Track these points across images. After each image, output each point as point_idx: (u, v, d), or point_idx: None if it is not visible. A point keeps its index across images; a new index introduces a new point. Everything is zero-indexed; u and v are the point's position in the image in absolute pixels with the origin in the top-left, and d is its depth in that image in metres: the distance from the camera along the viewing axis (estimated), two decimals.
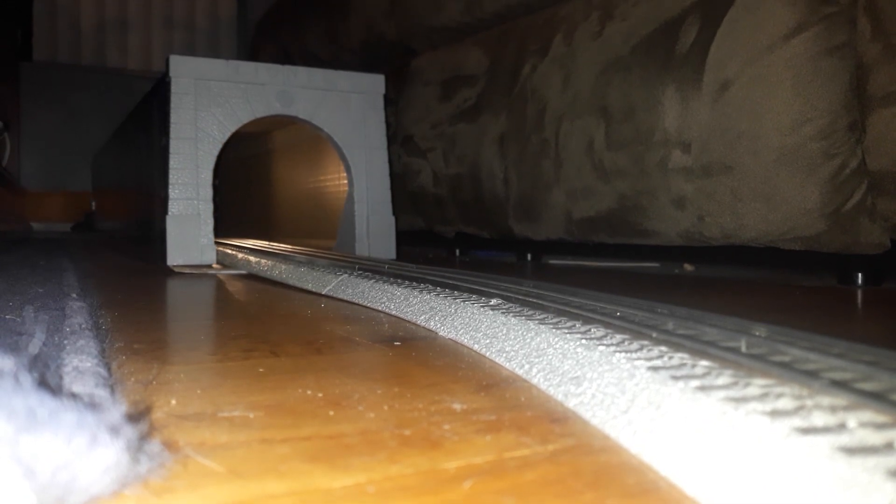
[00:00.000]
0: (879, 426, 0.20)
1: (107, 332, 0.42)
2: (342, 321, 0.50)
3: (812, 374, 0.24)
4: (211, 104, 0.95)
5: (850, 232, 0.72)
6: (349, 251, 1.04)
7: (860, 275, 0.78)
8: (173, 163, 0.92)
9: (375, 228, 1.06)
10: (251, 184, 1.75)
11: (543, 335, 0.35)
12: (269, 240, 1.18)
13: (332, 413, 0.27)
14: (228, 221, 1.67)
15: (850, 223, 0.72)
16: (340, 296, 0.62)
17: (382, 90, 1.09)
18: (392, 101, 1.32)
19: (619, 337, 0.33)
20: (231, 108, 0.96)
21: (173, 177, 0.92)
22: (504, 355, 0.36)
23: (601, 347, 0.31)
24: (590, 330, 0.35)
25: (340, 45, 1.57)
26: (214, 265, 0.93)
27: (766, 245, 0.79)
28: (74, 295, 0.54)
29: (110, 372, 0.31)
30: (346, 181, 1.09)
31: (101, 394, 0.25)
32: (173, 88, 0.93)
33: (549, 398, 0.30)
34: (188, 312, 0.60)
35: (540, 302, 0.42)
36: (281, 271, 0.77)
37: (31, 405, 0.18)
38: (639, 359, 0.28)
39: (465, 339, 0.41)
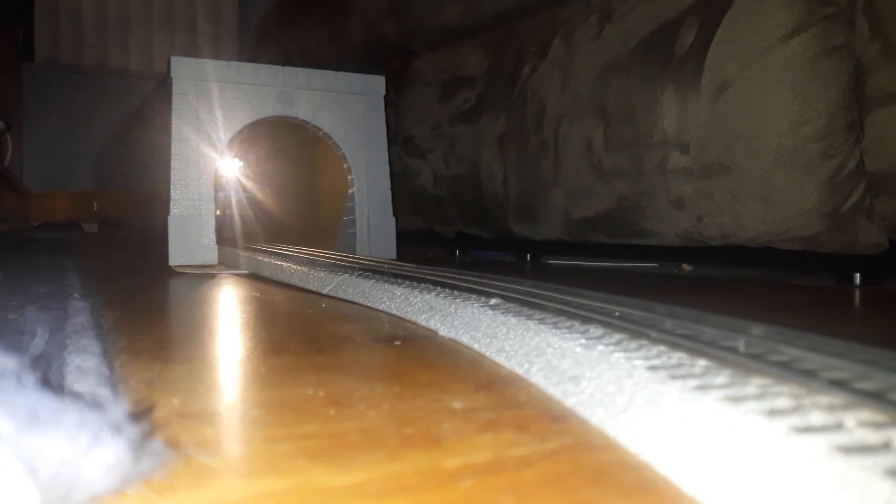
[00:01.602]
0: (877, 425, 0.20)
1: (109, 332, 0.42)
2: (343, 320, 0.50)
3: (810, 374, 0.24)
4: (213, 105, 0.95)
5: (848, 232, 0.72)
6: (350, 251, 1.05)
7: (858, 275, 0.78)
8: (175, 163, 0.92)
9: (376, 229, 1.06)
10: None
11: (542, 334, 0.35)
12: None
13: (332, 412, 0.27)
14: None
15: (848, 223, 0.72)
16: (341, 295, 0.62)
17: (383, 91, 1.09)
18: (392, 102, 1.32)
19: (617, 336, 0.33)
20: (232, 110, 0.97)
21: (175, 177, 0.92)
22: (503, 354, 0.36)
23: (600, 347, 0.31)
24: (588, 329, 0.35)
25: (341, 47, 1.57)
26: (216, 265, 0.93)
27: (765, 245, 0.79)
28: (77, 294, 0.54)
29: (112, 371, 0.31)
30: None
31: (104, 393, 0.25)
32: (175, 89, 0.93)
33: (548, 397, 0.30)
34: (190, 312, 0.60)
35: (539, 301, 0.43)
36: (282, 271, 0.77)
37: (34, 404, 0.18)
38: (637, 358, 0.28)
39: (464, 339, 0.41)
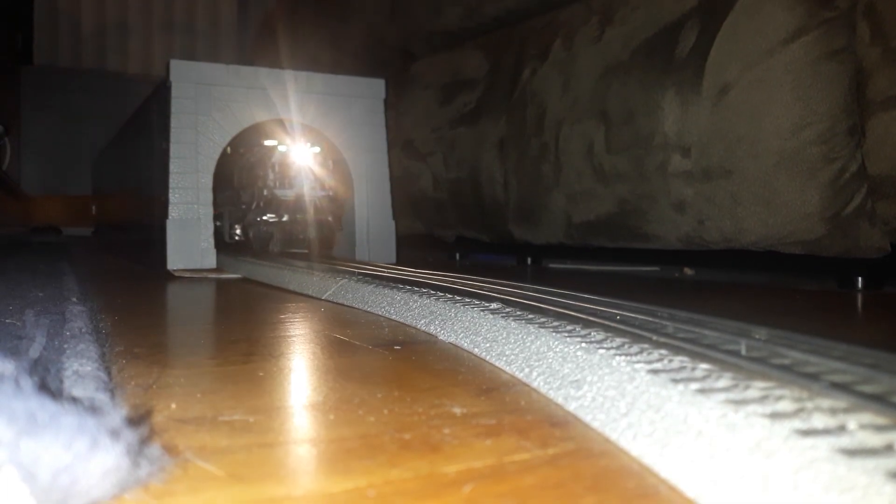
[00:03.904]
0: (879, 428, 0.20)
1: (107, 336, 0.42)
2: (342, 325, 0.50)
3: (812, 377, 0.24)
4: (212, 108, 0.95)
5: (850, 236, 0.72)
6: (349, 256, 1.04)
7: (860, 279, 0.78)
8: (174, 167, 0.92)
9: (375, 233, 1.06)
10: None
11: (543, 339, 0.35)
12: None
13: (332, 417, 0.27)
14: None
15: (850, 227, 0.72)
16: (341, 300, 0.62)
17: (383, 94, 1.09)
18: (392, 105, 1.32)
19: (619, 340, 0.33)
20: (232, 113, 0.96)
21: (174, 181, 0.92)
22: (504, 359, 0.36)
23: (601, 351, 0.31)
24: (590, 333, 0.35)
25: (341, 50, 1.57)
26: (215, 269, 0.93)
27: (766, 249, 0.79)
28: (74, 299, 0.54)
29: (110, 376, 0.31)
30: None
31: (102, 398, 0.25)
32: (174, 93, 0.93)
33: (549, 402, 0.30)
34: (188, 317, 0.60)
35: (540, 305, 0.43)
36: (281, 276, 0.77)
37: (32, 409, 0.18)
38: (639, 362, 0.28)
39: (465, 343, 0.41)
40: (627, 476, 0.22)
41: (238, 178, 1.05)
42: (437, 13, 1.25)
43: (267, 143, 1.01)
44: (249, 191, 1.02)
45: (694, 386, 0.24)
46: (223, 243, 1.08)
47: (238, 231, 1.06)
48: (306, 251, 0.99)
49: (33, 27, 2.65)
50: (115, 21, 2.77)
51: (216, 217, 1.02)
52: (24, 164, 2.55)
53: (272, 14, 2.03)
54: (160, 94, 0.99)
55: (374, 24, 1.44)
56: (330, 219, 1.00)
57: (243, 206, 1.04)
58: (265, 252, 0.98)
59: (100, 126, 2.43)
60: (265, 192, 0.99)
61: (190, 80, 0.94)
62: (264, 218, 1.00)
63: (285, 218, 0.99)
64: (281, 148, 1.00)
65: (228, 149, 1.08)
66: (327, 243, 1.03)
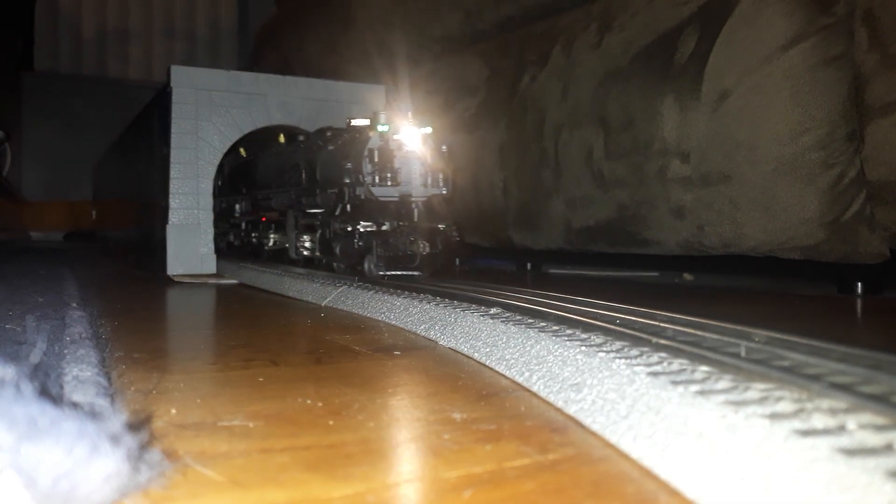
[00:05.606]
0: (879, 428, 0.20)
1: (107, 342, 0.42)
2: (342, 331, 0.50)
3: (812, 378, 0.24)
4: (212, 114, 0.95)
5: (849, 241, 0.72)
6: None
7: (859, 284, 0.78)
8: (174, 172, 0.92)
9: None
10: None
11: (543, 343, 0.35)
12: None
13: (331, 422, 0.27)
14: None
15: (849, 233, 0.72)
16: (341, 307, 0.62)
17: (383, 100, 1.09)
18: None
19: (618, 343, 0.33)
20: (232, 118, 0.97)
21: (174, 186, 0.92)
22: (504, 363, 0.36)
23: (601, 354, 0.31)
24: (589, 337, 0.35)
25: (341, 56, 1.57)
26: (215, 275, 0.93)
27: (766, 254, 0.79)
28: (75, 304, 0.54)
29: (110, 381, 0.31)
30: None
31: (102, 403, 0.25)
32: (174, 98, 0.93)
33: (548, 407, 0.30)
34: (188, 322, 0.60)
35: (540, 310, 0.43)
36: (281, 283, 0.77)
37: (32, 414, 0.18)
38: (638, 364, 0.28)
39: (464, 348, 0.41)
40: (627, 481, 0.22)
41: (309, 174, 0.83)
42: (438, 20, 1.26)
43: (356, 122, 0.76)
44: (333, 190, 0.77)
45: (694, 388, 0.25)
46: (226, 249, 1.07)
47: (309, 244, 0.83)
48: (418, 273, 0.69)
49: (34, 33, 2.65)
50: (115, 27, 2.77)
51: (264, 226, 0.95)
52: (25, 169, 2.56)
53: (272, 20, 2.04)
54: (161, 100, 0.99)
55: (374, 31, 1.44)
56: (442, 227, 0.72)
57: (321, 211, 0.80)
58: (360, 273, 0.72)
59: (100, 132, 2.43)
60: (357, 192, 0.73)
61: (190, 86, 0.94)
62: (357, 227, 0.71)
63: (385, 226, 0.71)
64: (381, 128, 0.71)
65: (282, 137, 1.00)
66: (440, 261, 0.73)
